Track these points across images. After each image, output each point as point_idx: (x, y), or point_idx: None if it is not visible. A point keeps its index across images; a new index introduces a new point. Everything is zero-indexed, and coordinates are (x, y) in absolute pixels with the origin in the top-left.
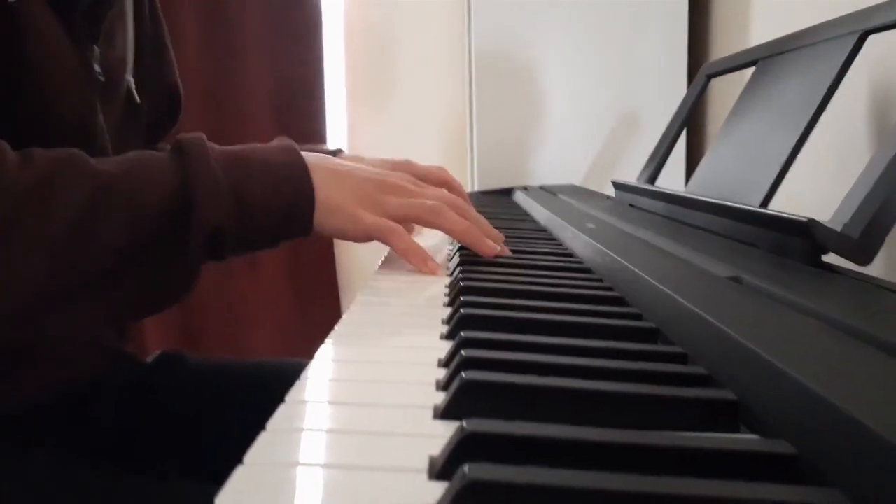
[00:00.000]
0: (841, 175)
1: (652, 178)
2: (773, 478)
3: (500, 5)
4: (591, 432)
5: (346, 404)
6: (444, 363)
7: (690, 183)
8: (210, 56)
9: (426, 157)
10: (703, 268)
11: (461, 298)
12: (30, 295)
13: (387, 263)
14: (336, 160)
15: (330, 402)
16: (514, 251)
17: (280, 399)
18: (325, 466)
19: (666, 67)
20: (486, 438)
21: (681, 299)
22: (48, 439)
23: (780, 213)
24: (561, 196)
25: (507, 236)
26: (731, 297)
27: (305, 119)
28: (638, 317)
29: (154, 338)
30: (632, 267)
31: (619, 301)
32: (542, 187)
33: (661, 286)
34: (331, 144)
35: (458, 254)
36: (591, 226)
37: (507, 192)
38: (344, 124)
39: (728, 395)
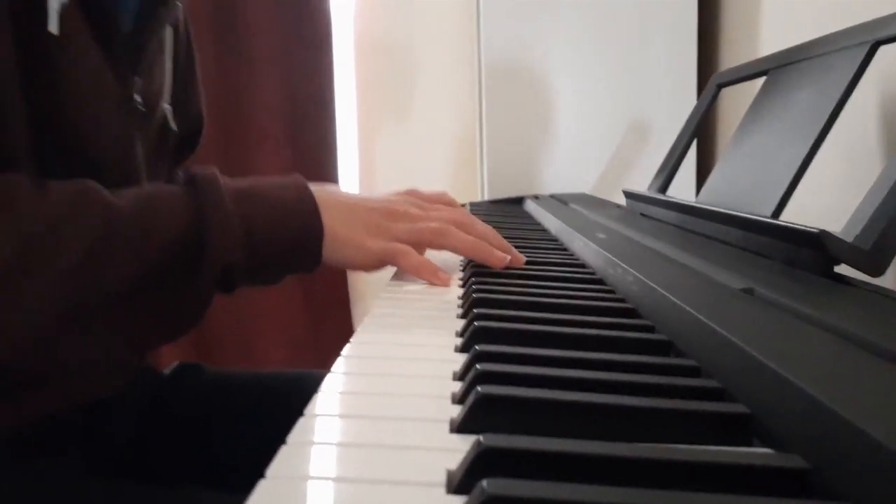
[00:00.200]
0: (853, 185)
1: (663, 188)
2: (786, 492)
3: (510, 15)
4: (606, 447)
5: (364, 417)
6: (460, 376)
7: (702, 193)
8: (222, 67)
9: (437, 166)
10: (715, 279)
11: (474, 311)
12: (43, 324)
13: (399, 275)
14: (343, 193)
15: (348, 416)
16: (526, 261)
17: (297, 410)
18: (345, 481)
19: (675, 76)
20: (503, 453)
21: (693, 311)
22: (67, 452)
23: (791, 225)
24: (572, 205)
25: (518, 246)
26: (744, 309)
27: (317, 129)
28: (650, 329)
29: (168, 349)
30: (644, 278)
31: (631, 313)
32: (552, 196)
33: (673, 298)
34: (342, 185)
35: (470, 264)
36: (602, 236)
37: (518, 202)
38: (355, 134)
39: (741, 408)
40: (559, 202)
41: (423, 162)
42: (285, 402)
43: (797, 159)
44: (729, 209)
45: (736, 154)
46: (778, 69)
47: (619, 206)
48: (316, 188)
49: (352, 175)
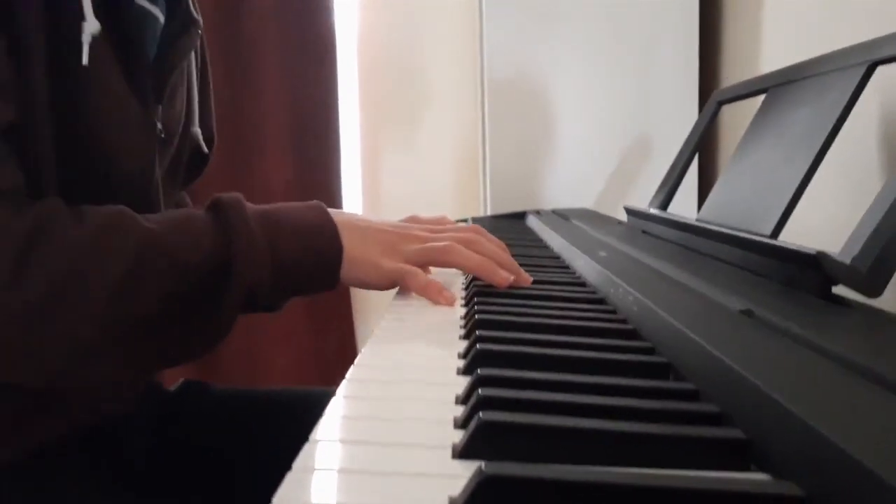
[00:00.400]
0: (851, 205)
1: (664, 204)
2: None
3: (512, 31)
4: (606, 475)
5: (368, 443)
6: (462, 400)
7: (703, 210)
8: (226, 80)
9: (440, 180)
10: (715, 300)
11: (477, 333)
12: (79, 350)
13: (403, 291)
14: (359, 217)
15: (351, 442)
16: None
17: (303, 428)
18: None
19: (677, 93)
20: (504, 481)
21: (692, 335)
22: (74, 469)
23: (789, 246)
24: (574, 221)
25: (521, 264)
26: (743, 332)
27: (320, 143)
28: (651, 351)
29: None
30: (644, 299)
31: (632, 334)
32: (554, 211)
33: (673, 321)
34: (346, 200)
35: (472, 284)
36: (603, 254)
37: (521, 216)
38: (358, 148)
39: (738, 434)
40: (561, 217)
41: (426, 175)
42: (292, 421)
43: (797, 177)
44: (729, 227)
45: (736, 171)
46: (778, 87)
47: (620, 223)
48: (332, 212)
49: (355, 189)
